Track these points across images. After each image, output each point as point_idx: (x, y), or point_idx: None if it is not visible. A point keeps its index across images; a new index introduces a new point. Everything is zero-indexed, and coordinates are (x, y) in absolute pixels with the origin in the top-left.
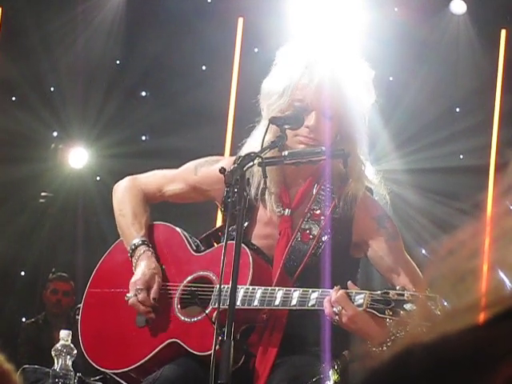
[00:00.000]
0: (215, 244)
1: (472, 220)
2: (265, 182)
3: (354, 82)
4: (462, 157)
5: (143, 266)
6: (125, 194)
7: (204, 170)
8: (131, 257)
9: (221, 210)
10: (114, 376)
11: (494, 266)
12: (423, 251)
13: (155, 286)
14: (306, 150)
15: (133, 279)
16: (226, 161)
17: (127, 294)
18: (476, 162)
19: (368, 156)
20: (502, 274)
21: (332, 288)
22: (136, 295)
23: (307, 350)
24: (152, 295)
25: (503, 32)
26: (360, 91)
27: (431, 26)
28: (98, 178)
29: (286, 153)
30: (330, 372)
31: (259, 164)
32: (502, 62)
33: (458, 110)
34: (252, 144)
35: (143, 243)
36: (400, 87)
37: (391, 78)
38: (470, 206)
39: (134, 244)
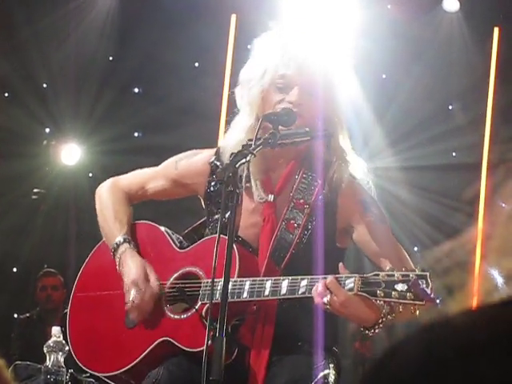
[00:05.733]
0: (197, 240)
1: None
2: (248, 168)
3: (334, 64)
4: (454, 154)
5: (130, 263)
6: (107, 196)
7: (184, 164)
8: (114, 255)
9: (204, 203)
10: (106, 379)
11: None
12: (415, 248)
13: (152, 277)
14: (290, 132)
15: (128, 279)
16: (206, 153)
17: (132, 294)
18: (469, 160)
19: (353, 145)
20: (491, 269)
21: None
22: (142, 293)
23: (300, 348)
24: (154, 285)
25: (496, 30)
26: (339, 74)
27: (424, 23)
28: (90, 175)
29: (269, 135)
30: (330, 369)
31: (243, 147)
32: (495, 60)
33: (451, 107)
34: (232, 136)
35: (125, 241)
36: (393, 85)
37: (384, 76)
38: (461, 203)
39: (116, 243)
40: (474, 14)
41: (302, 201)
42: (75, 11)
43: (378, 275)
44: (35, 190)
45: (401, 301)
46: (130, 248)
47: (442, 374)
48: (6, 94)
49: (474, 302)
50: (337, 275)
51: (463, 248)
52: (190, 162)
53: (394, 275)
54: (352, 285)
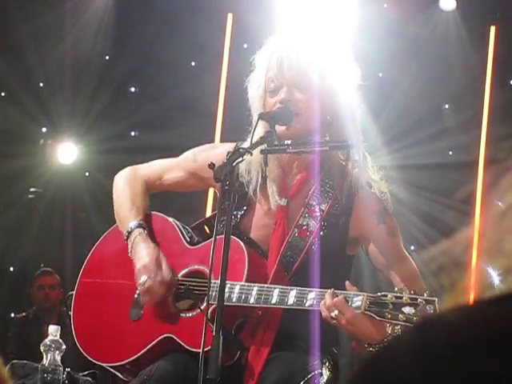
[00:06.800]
0: (208, 232)
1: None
2: (265, 171)
3: (328, 58)
4: (451, 153)
5: (143, 248)
6: (125, 184)
7: (203, 157)
8: (127, 239)
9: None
10: (108, 368)
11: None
12: (412, 247)
13: (165, 265)
14: (309, 140)
15: (140, 264)
16: (225, 146)
17: (142, 277)
18: (465, 158)
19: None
20: (487, 267)
21: (327, 285)
22: (153, 277)
23: (298, 345)
24: (165, 273)
25: (492, 28)
26: (337, 68)
27: (421, 22)
28: (87, 174)
29: (289, 142)
30: (323, 369)
31: (261, 152)
32: (492, 59)
33: (447, 106)
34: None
35: (140, 226)
36: (389, 83)
37: (380, 75)
38: (457, 202)
39: (131, 227)
40: (470, 13)
41: (316, 207)
42: (71, 10)
43: (386, 296)
44: (32, 190)
45: (408, 324)
46: (143, 233)
47: (440, 372)
48: (3, 94)
49: (470, 300)
50: (345, 292)
51: (460, 246)
52: (209, 155)
53: (402, 297)
54: (359, 303)
